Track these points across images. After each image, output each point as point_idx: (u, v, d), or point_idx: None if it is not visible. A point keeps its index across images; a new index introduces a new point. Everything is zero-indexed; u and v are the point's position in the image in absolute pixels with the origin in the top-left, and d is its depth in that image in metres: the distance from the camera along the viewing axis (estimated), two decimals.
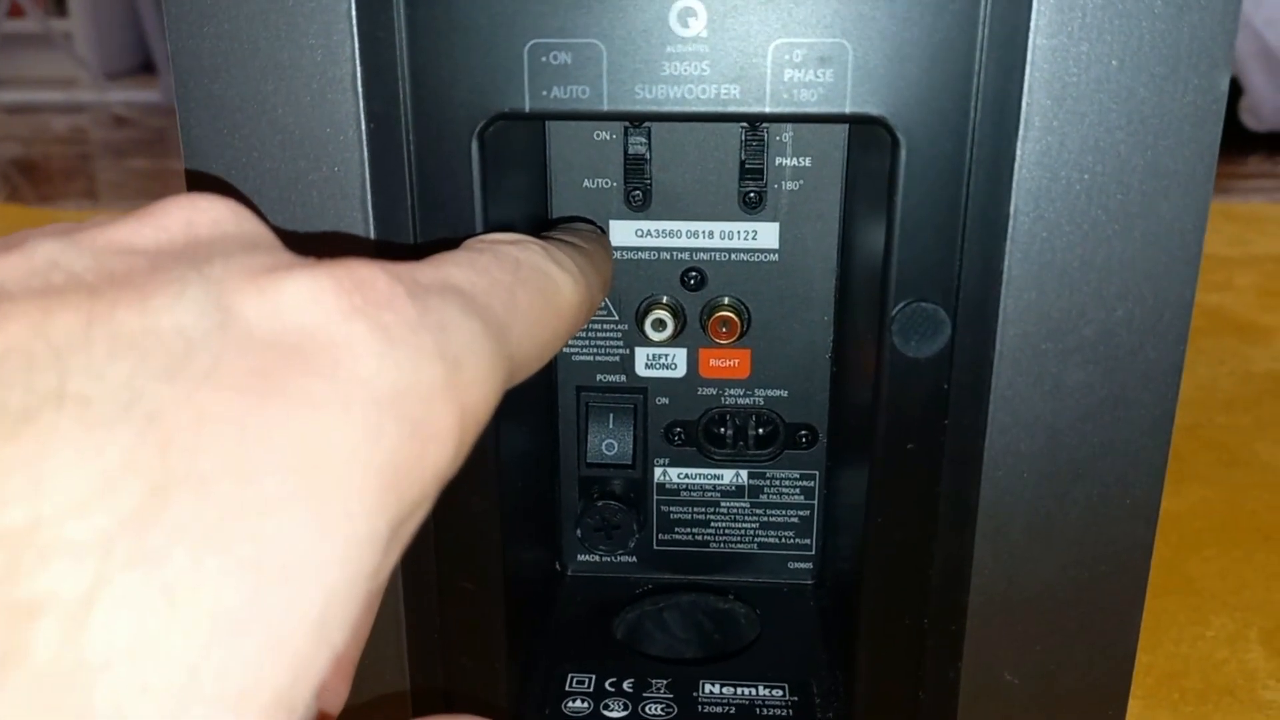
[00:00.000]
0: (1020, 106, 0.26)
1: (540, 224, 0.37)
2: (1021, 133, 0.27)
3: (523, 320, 0.20)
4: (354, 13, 0.27)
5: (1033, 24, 0.26)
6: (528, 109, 0.28)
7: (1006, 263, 0.28)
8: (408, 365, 0.16)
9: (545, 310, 0.21)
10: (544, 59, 0.27)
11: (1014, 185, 0.27)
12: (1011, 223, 0.27)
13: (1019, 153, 0.27)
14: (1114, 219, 0.27)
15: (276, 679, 0.13)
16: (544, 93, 0.28)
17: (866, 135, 0.33)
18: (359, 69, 0.27)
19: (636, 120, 0.35)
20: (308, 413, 0.14)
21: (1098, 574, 0.30)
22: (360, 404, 0.15)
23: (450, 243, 0.22)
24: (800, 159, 0.36)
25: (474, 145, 0.28)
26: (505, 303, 0.19)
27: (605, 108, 0.28)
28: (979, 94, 0.27)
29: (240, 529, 0.13)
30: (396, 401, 0.15)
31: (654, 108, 0.28)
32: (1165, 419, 0.29)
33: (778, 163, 0.37)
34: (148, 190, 1.59)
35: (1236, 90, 1.67)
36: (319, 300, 0.16)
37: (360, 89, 0.27)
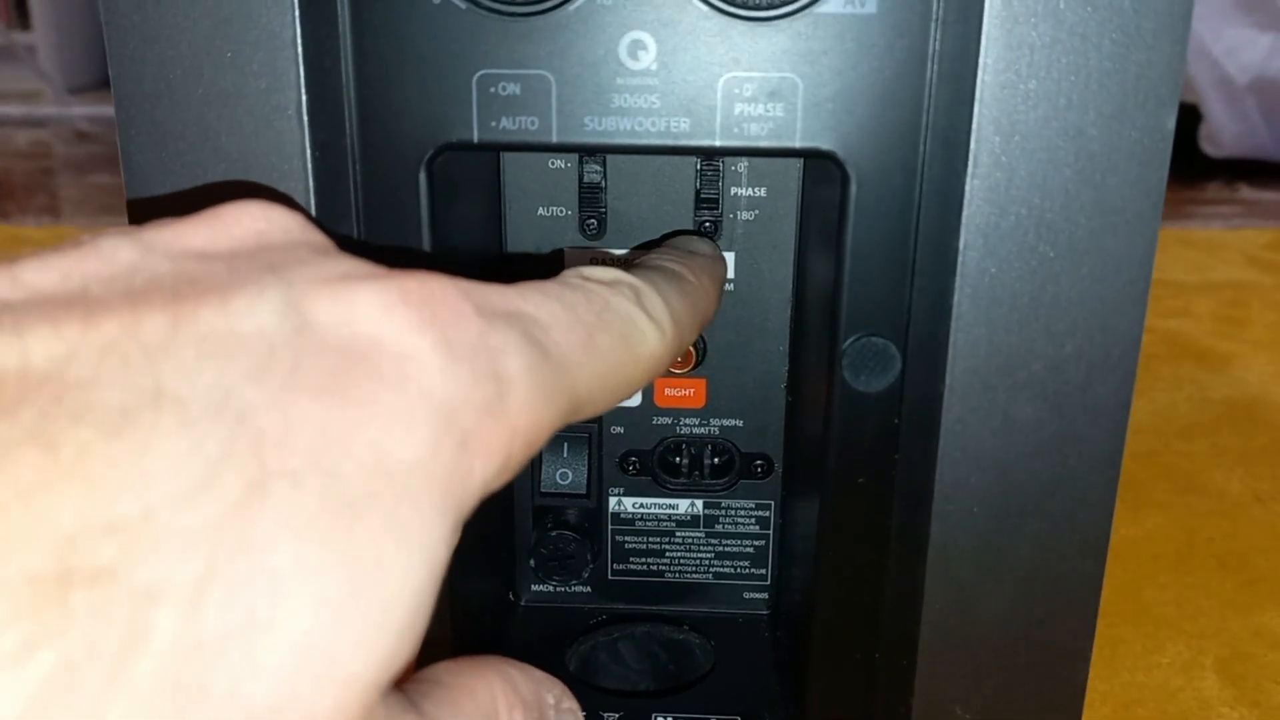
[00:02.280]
0: (969, 143, 0.26)
1: (496, 254, 0.37)
2: (970, 169, 0.27)
3: (596, 361, 0.20)
4: (299, 41, 0.27)
5: (981, 61, 0.26)
6: (476, 140, 0.27)
7: (956, 298, 0.28)
8: (465, 380, 0.16)
9: (624, 356, 0.21)
10: (493, 90, 0.27)
11: (963, 221, 0.27)
12: (961, 258, 0.27)
13: (968, 189, 0.27)
14: (1062, 255, 0.27)
15: (376, 664, 0.14)
16: (492, 123, 0.27)
17: (820, 167, 0.33)
18: (305, 97, 0.27)
19: (586, 152, 0.35)
20: (378, 419, 0.15)
21: (1048, 609, 0.30)
22: (423, 414, 0.16)
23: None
24: (755, 189, 0.36)
25: (421, 175, 0.28)
26: (581, 341, 0.20)
27: (554, 139, 0.27)
28: (928, 130, 0.27)
29: (336, 523, 0.14)
30: (452, 414, 0.16)
31: (603, 140, 0.27)
32: (1114, 454, 0.29)
33: (733, 192, 0.36)
34: (110, 206, 1.57)
35: (1195, 117, 1.69)
36: (389, 311, 0.16)
37: (306, 118, 0.27)
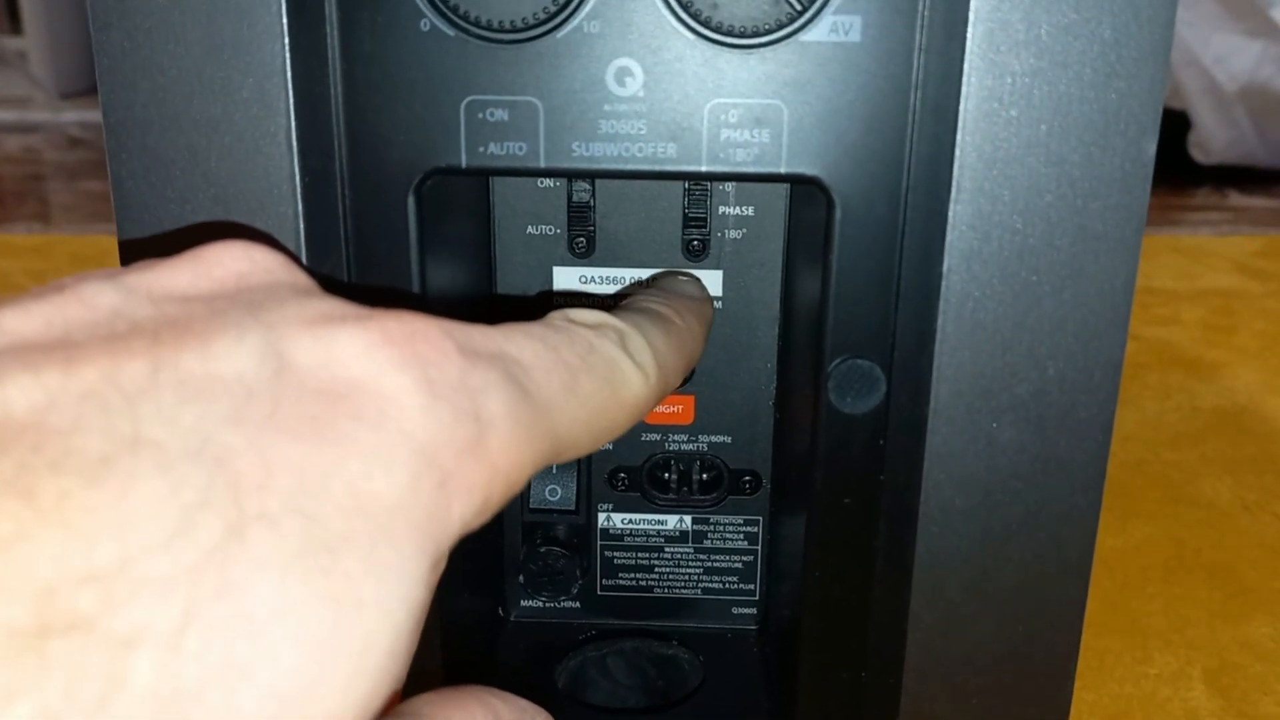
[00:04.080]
0: (952, 169, 0.27)
1: (484, 274, 0.37)
2: (953, 194, 0.27)
3: (579, 404, 0.20)
4: (289, 67, 0.27)
5: (964, 89, 0.26)
6: (464, 165, 0.28)
7: (940, 322, 0.28)
8: (446, 420, 0.16)
9: (608, 399, 0.21)
10: (481, 115, 0.27)
11: (946, 246, 0.27)
12: (944, 282, 0.27)
13: (951, 214, 0.27)
14: (1044, 280, 0.27)
15: (356, 704, 0.14)
16: (481, 149, 0.28)
17: (806, 189, 0.33)
18: (294, 124, 0.27)
19: (574, 177, 0.36)
20: (357, 460, 0.15)
21: (1033, 628, 0.30)
22: (402, 454, 0.16)
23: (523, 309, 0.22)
24: (743, 208, 0.37)
25: (410, 200, 0.28)
26: (564, 383, 0.20)
27: (542, 165, 0.28)
28: (912, 156, 0.27)
29: (315, 565, 0.14)
30: (432, 454, 0.16)
31: (591, 165, 0.28)
32: (1097, 476, 0.29)
33: (721, 211, 0.37)
34: (101, 213, 1.57)
35: (1185, 125, 1.70)
36: (370, 351, 0.16)
37: (295, 144, 0.27)
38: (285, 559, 0.14)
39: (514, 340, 0.19)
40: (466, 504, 0.16)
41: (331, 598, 0.14)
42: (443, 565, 0.17)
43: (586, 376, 0.20)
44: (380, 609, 0.15)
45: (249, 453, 0.14)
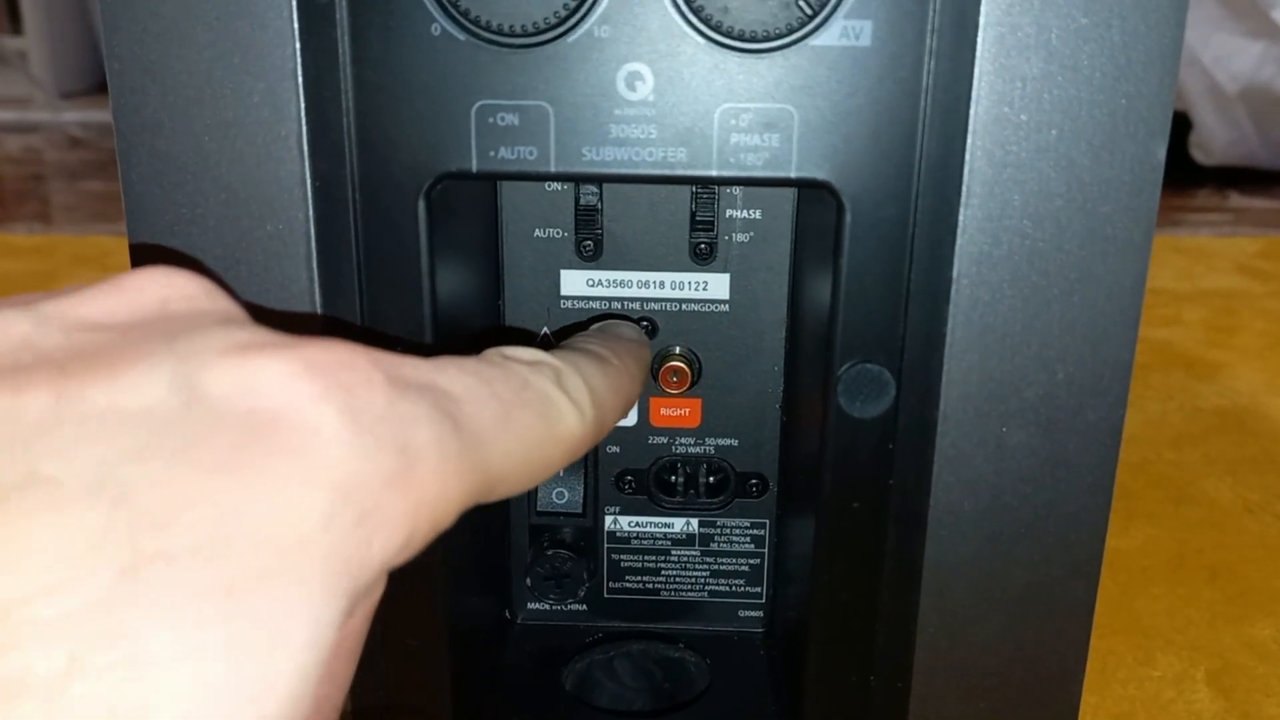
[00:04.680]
0: (962, 173, 0.27)
1: (491, 277, 0.37)
2: (964, 199, 0.27)
3: (512, 439, 0.19)
4: (300, 72, 0.27)
5: (974, 94, 0.26)
6: (474, 170, 0.28)
7: (949, 325, 0.28)
8: (368, 452, 0.16)
9: (542, 435, 0.21)
10: (491, 120, 0.27)
11: (956, 250, 0.27)
12: (954, 287, 0.28)
13: (961, 218, 0.27)
14: (1054, 283, 0.27)
15: None
16: (491, 153, 0.28)
17: (814, 192, 0.33)
18: (305, 128, 0.27)
19: (584, 182, 0.36)
20: (269, 495, 0.15)
21: (1041, 631, 0.30)
22: (319, 488, 0.15)
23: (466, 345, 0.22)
24: (751, 211, 0.37)
25: (420, 205, 0.28)
26: (497, 417, 0.19)
27: (553, 169, 0.28)
28: (922, 160, 0.27)
29: (214, 607, 0.14)
30: (351, 488, 0.15)
31: (601, 169, 0.28)
32: (1106, 479, 0.29)
33: (728, 215, 0.37)
34: (102, 213, 1.57)
35: (1186, 125, 1.70)
36: (291, 380, 0.16)
37: (306, 148, 0.27)
38: (182, 601, 0.13)
39: (446, 372, 0.19)
40: (388, 541, 0.16)
41: (230, 642, 0.14)
42: (373, 599, 0.17)
43: (521, 411, 0.20)
44: (284, 652, 0.14)
45: (152, 490, 0.14)
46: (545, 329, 0.36)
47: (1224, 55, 1.60)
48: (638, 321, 0.38)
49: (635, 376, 0.27)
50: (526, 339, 0.38)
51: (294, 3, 0.26)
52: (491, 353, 0.22)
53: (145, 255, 0.28)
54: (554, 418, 0.21)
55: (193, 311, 0.17)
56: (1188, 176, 1.74)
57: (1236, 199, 1.68)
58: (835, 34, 0.26)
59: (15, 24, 2.78)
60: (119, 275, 0.18)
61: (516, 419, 0.20)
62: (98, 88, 2.77)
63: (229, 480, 0.14)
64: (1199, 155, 1.72)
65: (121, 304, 0.17)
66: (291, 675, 0.14)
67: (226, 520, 0.14)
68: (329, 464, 0.15)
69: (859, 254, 0.28)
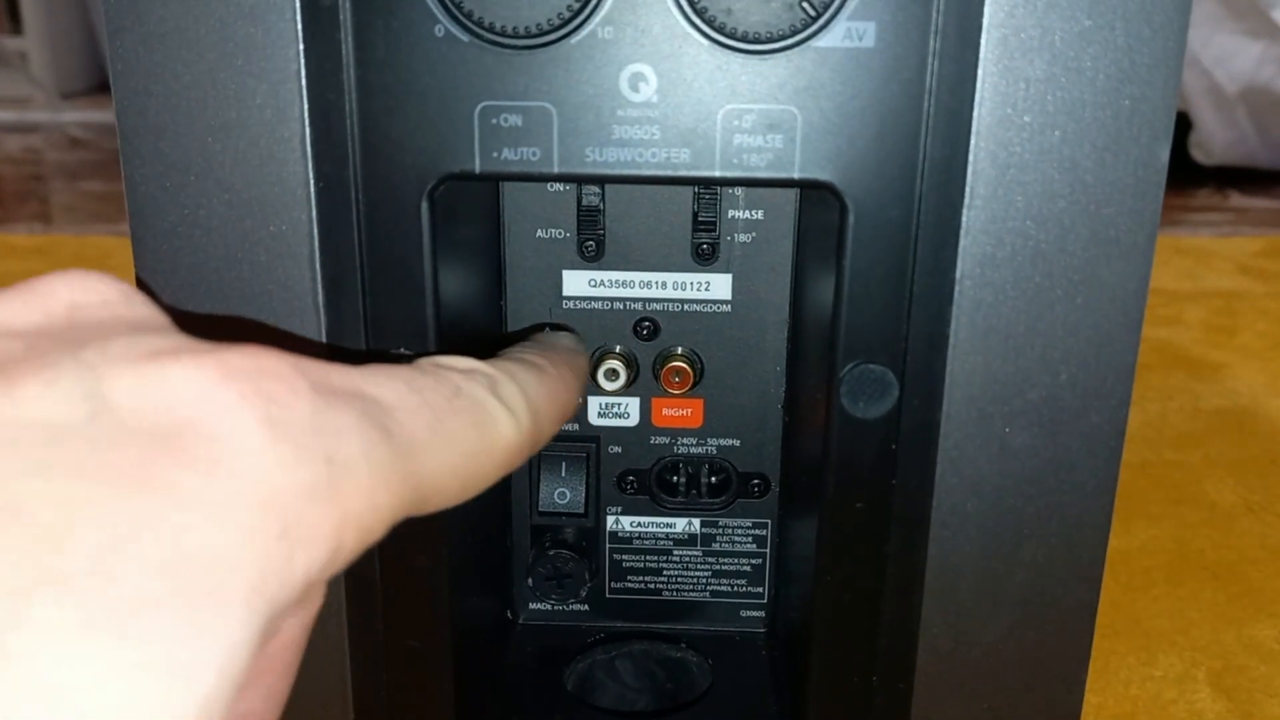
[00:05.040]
0: (966, 174, 0.27)
1: (494, 277, 0.37)
2: (967, 200, 0.27)
3: (445, 448, 0.19)
4: (303, 73, 0.27)
5: (978, 95, 0.26)
6: (478, 170, 0.28)
7: (953, 327, 0.28)
8: (289, 462, 0.15)
9: (476, 444, 0.20)
10: (494, 121, 0.27)
11: (959, 251, 0.27)
12: (957, 288, 0.28)
13: (964, 219, 0.27)
14: (1057, 285, 0.27)
15: None
16: (494, 154, 0.28)
17: (817, 193, 0.33)
18: (308, 129, 0.27)
19: (587, 183, 0.36)
20: (179, 510, 0.14)
21: (1044, 634, 0.30)
22: (234, 502, 0.14)
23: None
24: (753, 212, 0.37)
25: (424, 206, 0.28)
26: (429, 425, 0.19)
27: (556, 170, 0.28)
28: (925, 162, 0.27)
29: (115, 629, 0.13)
30: (270, 501, 0.15)
31: (604, 170, 0.28)
32: (1109, 480, 0.29)
33: (730, 215, 0.37)
34: (102, 214, 1.57)
35: (1186, 125, 1.70)
36: (206, 388, 0.15)
37: (309, 149, 0.27)
38: (78, 625, 0.13)
39: (374, 380, 0.18)
40: (312, 555, 0.15)
41: (134, 665, 0.13)
42: (302, 615, 0.16)
43: (453, 419, 0.19)
44: (189, 676, 0.13)
45: (50, 507, 0.13)
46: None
47: (1224, 55, 1.60)
48: (637, 322, 0.38)
49: (571, 385, 0.26)
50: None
51: (297, 4, 0.26)
52: (424, 361, 0.21)
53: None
54: (488, 425, 0.21)
55: (106, 318, 0.17)
56: (1188, 176, 1.74)
57: (1237, 199, 1.68)
58: (839, 35, 0.26)
59: (15, 24, 2.78)
60: (32, 280, 0.17)
61: (449, 427, 0.19)
62: (98, 88, 2.77)
63: (134, 496, 0.14)
64: (1199, 155, 1.72)
65: (32, 309, 0.17)
66: (198, 699, 0.13)
67: (129, 538, 0.13)
68: (246, 476, 0.15)
69: (862, 255, 0.28)
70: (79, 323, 0.17)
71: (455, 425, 0.19)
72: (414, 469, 0.18)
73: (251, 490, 0.15)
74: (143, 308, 0.18)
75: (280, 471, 0.15)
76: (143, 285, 0.29)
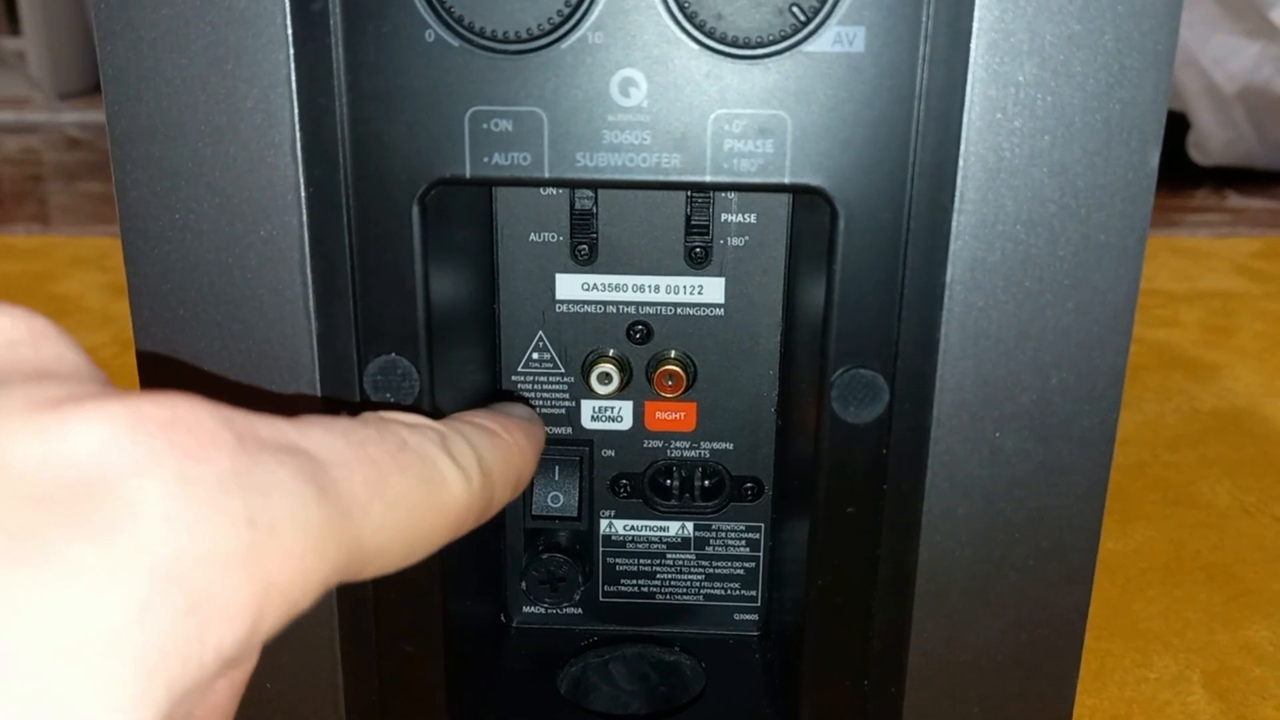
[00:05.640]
0: (956, 179, 0.27)
1: (486, 281, 0.37)
2: (957, 204, 0.27)
3: (388, 507, 0.17)
4: (294, 78, 0.27)
5: (968, 100, 0.26)
6: (468, 175, 0.28)
7: (943, 331, 0.28)
8: (201, 528, 0.14)
9: (422, 502, 0.19)
10: (485, 126, 0.27)
11: (950, 256, 0.27)
12: (948, 292, 0.28)
13: (954, 224, 0.27)
14: (1048, 289, 0.27)
15: None
16: (485, 159, 0.28)
17: (808, 197, 0.33)
18: (299, 134, 0.27)
19: (578, 187, 0.36)
20: (69, 584, 0.13)
21: (1035, 637, 0.30)
22: (133, 573, 0.13)
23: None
24: (746, 215, 0.37)
25: (414, 210, 0.28)
26: (370, 482, 0.17)
27: (546, 175, 0.28)
28: (915, 166, 0.27)
29: None
30: (176, 571, 0.13)
31: (595, 175, 0.28)
32: (1099, 485, 0.29)
33: (723, 219, 0.37)
34: (100, 214, 1.57)
35: (1184, 125, 1.70)
36: (113, 442, 0.14)
37: (300, 153, 0.27)
38: None
39: (309, 433, 0.17)
40: (226, 630, 0.14)
41: None
42: (222, 688, 0.15)
43: (398, 476, 0.18)
44: None
45: None
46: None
47: (1222, 55, 1.60)
48: (630, 326, 0.38)
49: (526, 451, 0.24)
50: (524, 341, 0.38)
51: (288, 9, 0.26)
52: (368, 414, 0.20)
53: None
54: (436, 483, 0.19)
55: (10, 360, 0.15)
56: (1185, 177, 1.74)
57: (1234, 199, 1.68)
58: (829, 40, 0.26)
59: (13, 25, 2.78)
60: None
61: (393, 484, 0.18)
62: (96, 88, 2.76)
63: (16, 569, 0.12)
64: (1197, 155, 1.72)
65: None
66: None
67: (9, 618, 0.12)
68: (147, 544, 0.13)
69: (853, 259, 0.28)
70: None
71: (400, 482, 0.18)
72: (351, 530, 0.16)
73: (153, 559, 0.13)
74: (53, 348, 0.16)
75: (190, 538, 0.14)
76: (134, 289, 0.29)
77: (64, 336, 0.16)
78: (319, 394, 0.29)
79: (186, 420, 0.14)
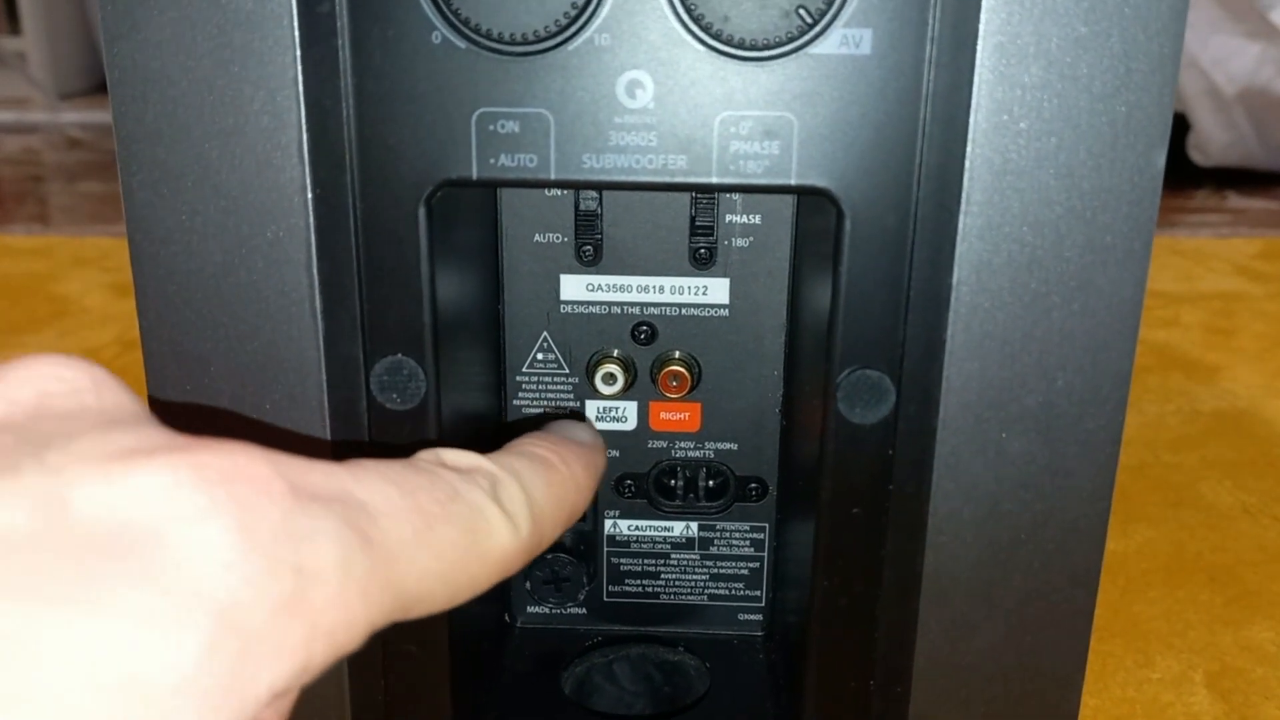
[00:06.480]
0: (962, 181, 0.27)
1: (491, 282, 0.37)
2: (963, 206, 0.27)
3: (433, 556, 0.18)
4: (301, 80, 0.27)
5: (974, 102, 0.26)
6: (475, 177, 0.28)
7: (949, 332, 0.28)
8: (257, 573, 0.14)
9: (468, 552, 0.19)
10: (492, 128, 0.27)
11: (956, 257, 0.27)
12: (954, 294, 0.28)
13: (961, 225, 0.27)
14: (1053, 291, 0.27)
15: None
16: (491, 161, 0.28)
17: (814, 199, 0.33)
18: (305, 135, 0.27)
19: (584, 189, 0.36)
20: (134, 629, 0.13)
21: (1040, 639, 0.30)
22: (195, 618, 0.14)
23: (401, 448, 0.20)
24: (750, 216, 0.37)
25: (421, 212, 0.28)
26: (416, 531, 0.18)
27: (553, 176, 0.28)
28: (922, 168, 0.27)
29: None
30: (233, 616, 0.14)
31: (601, 177, 0.28)
32: (1105, 486, 0.29)
33: (728, 220, 0.37)
34: (100, 214, 1.57)
35: (1184, 127, 1.70)
36: (175, 492, 0.14)
37: (306, 155, 0.27)
38: None
39: (364, 481, 0.17)
40: (276, 670, 0.15)
41: None
42: (269, 709, 0.15)
43: (445, 526, 0.18)
44: None
45: None
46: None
47: (1222, 56, 1.60)
48: (635, 327, 0.38)
49: (583, 485, 0.24)
50: (528, 341, 0.38)
51: (294, 11, 0.26)
52: (424, 455, 0.20)
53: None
54: (483, 534, 0.19)
55: (76, 409, 0.16)
56: (1186, 178, 1.74)
57: (1235, 200, 1.68)
58: (835, 42, 0.26)
59: (14, 25, 2.78)
60: (3, 365, 0.16)
61: (439, 534, 0.18)
62: (96, 89, 2.77)
63: (86, 613, 0.13)
64: (1197, 156, 1.73)
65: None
66: None
67: (80, 661, 0.13)
68: (208, 591, 0.14)
69: (859, 261, 0.28)
70: (46, 413, 0.16)
71: (446, 532, 0.18)
72: (395, 577, 0.17)
73: (213, 605, 0.14)
74: (113, 395, 0.17)
75: (244, 585, 0.14)
76: (141, 290, 0.29)
77: (122, 384, 0.17)
78: (324, 393, 0.29)
79: (244, 470, 0.15)
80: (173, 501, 0.14)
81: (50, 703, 0.12)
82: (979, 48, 0.26)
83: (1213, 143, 1.69)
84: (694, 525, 0.41)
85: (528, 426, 0.26)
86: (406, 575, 0.17)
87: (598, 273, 0.38)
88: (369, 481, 0.17)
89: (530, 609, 0.42)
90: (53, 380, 0.16)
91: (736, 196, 0.36)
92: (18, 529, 0.13)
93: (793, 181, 0.27)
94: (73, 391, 0.16)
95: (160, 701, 0.13)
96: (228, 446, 0.15)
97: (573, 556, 0.40)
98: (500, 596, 0.42)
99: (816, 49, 0.26)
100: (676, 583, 0.42)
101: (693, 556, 0.41)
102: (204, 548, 0.14)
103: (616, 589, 0.42)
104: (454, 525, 0.19)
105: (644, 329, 0.38)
